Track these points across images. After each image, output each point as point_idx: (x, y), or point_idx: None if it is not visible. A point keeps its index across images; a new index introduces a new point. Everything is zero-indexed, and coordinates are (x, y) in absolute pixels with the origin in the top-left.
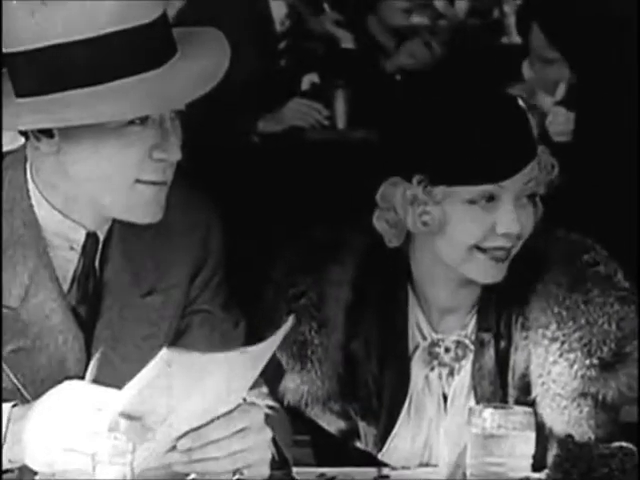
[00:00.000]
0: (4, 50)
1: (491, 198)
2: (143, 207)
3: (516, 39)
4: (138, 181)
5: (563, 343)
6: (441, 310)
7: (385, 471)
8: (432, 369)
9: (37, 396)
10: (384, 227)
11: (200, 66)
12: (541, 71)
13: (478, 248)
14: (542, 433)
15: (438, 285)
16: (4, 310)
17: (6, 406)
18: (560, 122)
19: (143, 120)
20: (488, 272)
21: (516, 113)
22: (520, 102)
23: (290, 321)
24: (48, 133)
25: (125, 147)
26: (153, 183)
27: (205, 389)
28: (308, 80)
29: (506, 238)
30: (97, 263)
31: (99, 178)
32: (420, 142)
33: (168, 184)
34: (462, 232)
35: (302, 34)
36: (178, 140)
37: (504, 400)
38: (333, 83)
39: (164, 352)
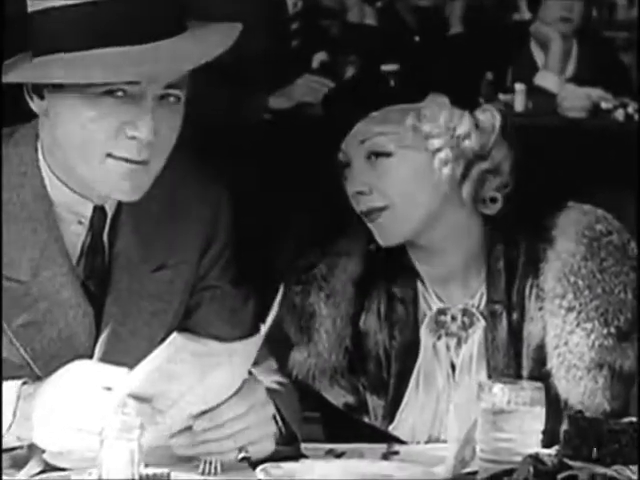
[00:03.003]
0: (29, 9)
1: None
2: (114, 183)
3: (527, 16)
4: (110, 155)
5: (580, 312)
6: (440, 279)
7: (395, 447)
8: (439, 337)
9: (47, 371)
10: None
11: (198, 43)
12: (548, 46)
13: None
14: (557, 405)
15: (428, 251)
16: (14, 284)
17: (16, 383)
18: (572, 98)
19: (118, 94)
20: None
21: None
22: None
23: (280, 292)
24: (40, 94)
25: (98, 118)
26: (126, 160)
27: (218, 376)
28: (318, 59)
29: None
30: (105, 237)
31: (75, 146)
32: None
33: (149, 165)
34: None
35: (315, 13)
36: (153, 121)
37: (518, 372)
38: (345, 60)
39: (175, 337)
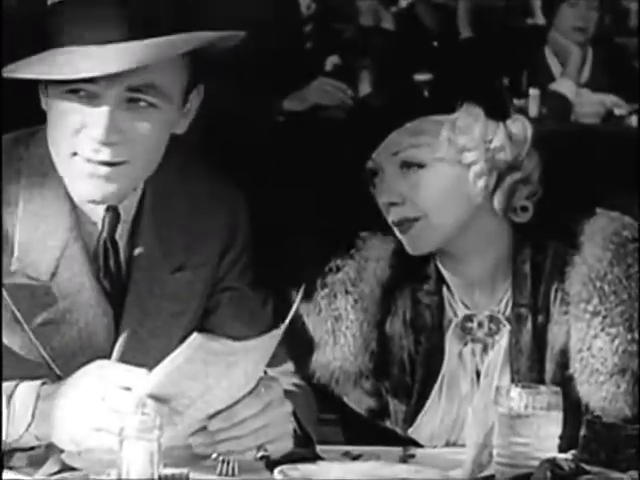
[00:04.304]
0: (50, 1)
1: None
2: (78, 182)
3: (541, 20)
4: (75, 154)
5: (605, 317)
6: (467, 285)
7: (411, 450)
8: (465, 344)
9: (66, 370)
10: None
11: (154, 44)
12: (564, 54)
13: None
14: (578, 409)
15: (456, 258)
16: (34, 283)
17: (35, 383)
18: (586, 104)
19: (80, 93)
20: None
21: None
22: None
23: (301, 292)
24: (45, 91)
25: (64, 116)
26: (88, 160)
27: (235, 375)
28: (331, 62)
29: None
30: (118, 238)
31: (52, 143)
32: None
33: (119, 168)
34: None
35: (328, 16)
36: (110, 122)
37: (541, 375)
38: (358, 63)
39: (195, 337)
